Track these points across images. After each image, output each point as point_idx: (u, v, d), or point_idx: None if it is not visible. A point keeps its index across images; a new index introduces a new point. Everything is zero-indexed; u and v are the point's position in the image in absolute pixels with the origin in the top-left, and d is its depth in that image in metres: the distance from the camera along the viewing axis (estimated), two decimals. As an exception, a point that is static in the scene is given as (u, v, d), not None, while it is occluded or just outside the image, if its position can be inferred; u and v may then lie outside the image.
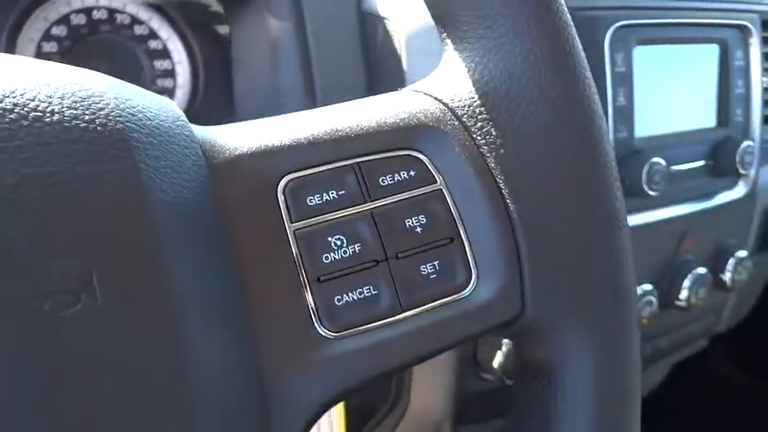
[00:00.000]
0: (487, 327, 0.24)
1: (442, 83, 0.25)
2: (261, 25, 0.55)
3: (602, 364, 0.25)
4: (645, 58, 0.62)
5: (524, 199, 0.23)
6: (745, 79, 0.71)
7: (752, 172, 0.72)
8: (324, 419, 0.55)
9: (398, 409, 0.63)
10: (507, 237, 0.23)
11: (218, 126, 0.23)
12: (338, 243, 0.22)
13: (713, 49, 0.68)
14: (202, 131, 0.22)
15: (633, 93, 0.61)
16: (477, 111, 0.24)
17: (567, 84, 0.24)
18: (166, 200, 0.18)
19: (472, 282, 0.23)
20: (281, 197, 0.22)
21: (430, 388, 0.61)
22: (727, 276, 0.72)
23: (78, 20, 0.56)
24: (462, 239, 0.23)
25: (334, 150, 0.23)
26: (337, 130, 0.23)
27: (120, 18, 0.58)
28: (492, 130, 0.23)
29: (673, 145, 0.66)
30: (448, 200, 0.23)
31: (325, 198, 0.22)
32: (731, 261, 0.71)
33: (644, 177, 0.60)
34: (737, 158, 0.68)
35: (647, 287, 0.63)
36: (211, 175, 0.21)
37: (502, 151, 0.23)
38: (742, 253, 0.72)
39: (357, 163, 0.23)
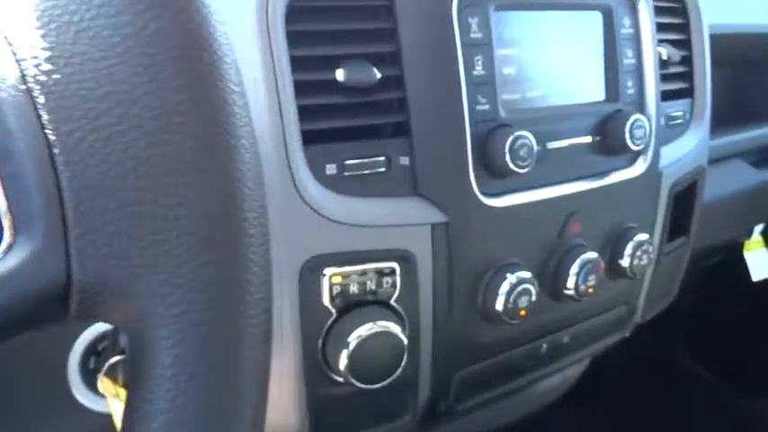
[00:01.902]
0: (23, 295, 0.18)
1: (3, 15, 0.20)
2: None
3: (175, 334, 0.19)
4: (510, 25, 0.57)
5: (70, 138, 0.18)
6: (635, 49, 0.65)
7: (650, 150, 0.67)
8: None
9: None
10: (50, 187, 0.18)
11: None
12: None
13: (596, 17, 0.63)
14: None
15: (494, 62, 0.55)
16: (28, 34, 0.18)
17: None
18: None
19: (4, 244, 0.18)
20: None
21: (279, 399, 0.55)
22: (625, 262, 0.66)
23: None
24: None
25: None
26: None
27: None
28: (40, 51, 0.18)
29: (553, 119, 0.60)
30: None
31: None
32: (629, 245, 0.66)
33: (507, 154, 0.54)
34: (626, 133, 0.62)
35: (525, 275, 0.58)
36: None
37: (44, 78, 0.18)
38: (642, 236, 0.66)
39: None
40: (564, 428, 1.30)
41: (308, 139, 0.50)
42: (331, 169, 0.51)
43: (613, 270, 0.67)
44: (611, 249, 0.66)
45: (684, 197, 0.77)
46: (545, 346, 0.67)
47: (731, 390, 1.41)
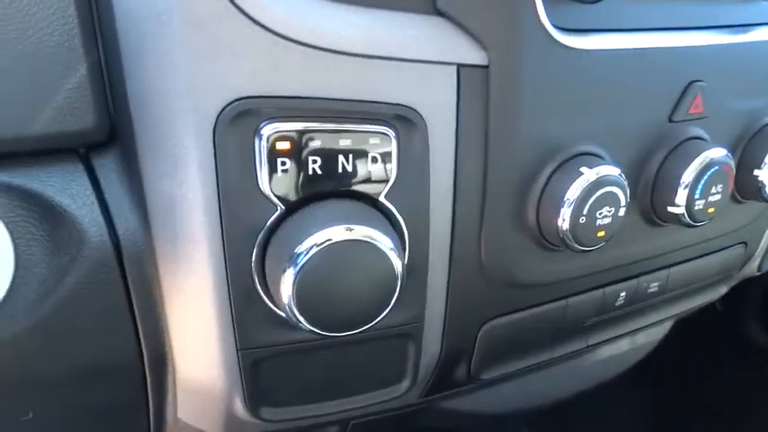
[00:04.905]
0: None
1: None
2: None
3: None
4: None
5: None
6: None
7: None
8: None
9: (159, 379, 0.37)
10: None
11: None
12: None
13: None
14: None
15: None
16: None
17: None
18: None
19: None
20: None
21: (198, 343, 0.34)
22: (764, 176, 0.42)
23: None
24: None
25: None
26: None
27: None
28: None
29: None
30: None
31: None
32: (776, 148, 0.42)
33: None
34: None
35: (611, 172, 0.34)
36: None
37: None
38: (796, 135, 0.42)
39: None
40: (613, 408, 1.09)
41: None
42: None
43: (742, 186, 0.43)
44: (745, 151, 0.42)
45: None
46: (623, 295, 0.45)
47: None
